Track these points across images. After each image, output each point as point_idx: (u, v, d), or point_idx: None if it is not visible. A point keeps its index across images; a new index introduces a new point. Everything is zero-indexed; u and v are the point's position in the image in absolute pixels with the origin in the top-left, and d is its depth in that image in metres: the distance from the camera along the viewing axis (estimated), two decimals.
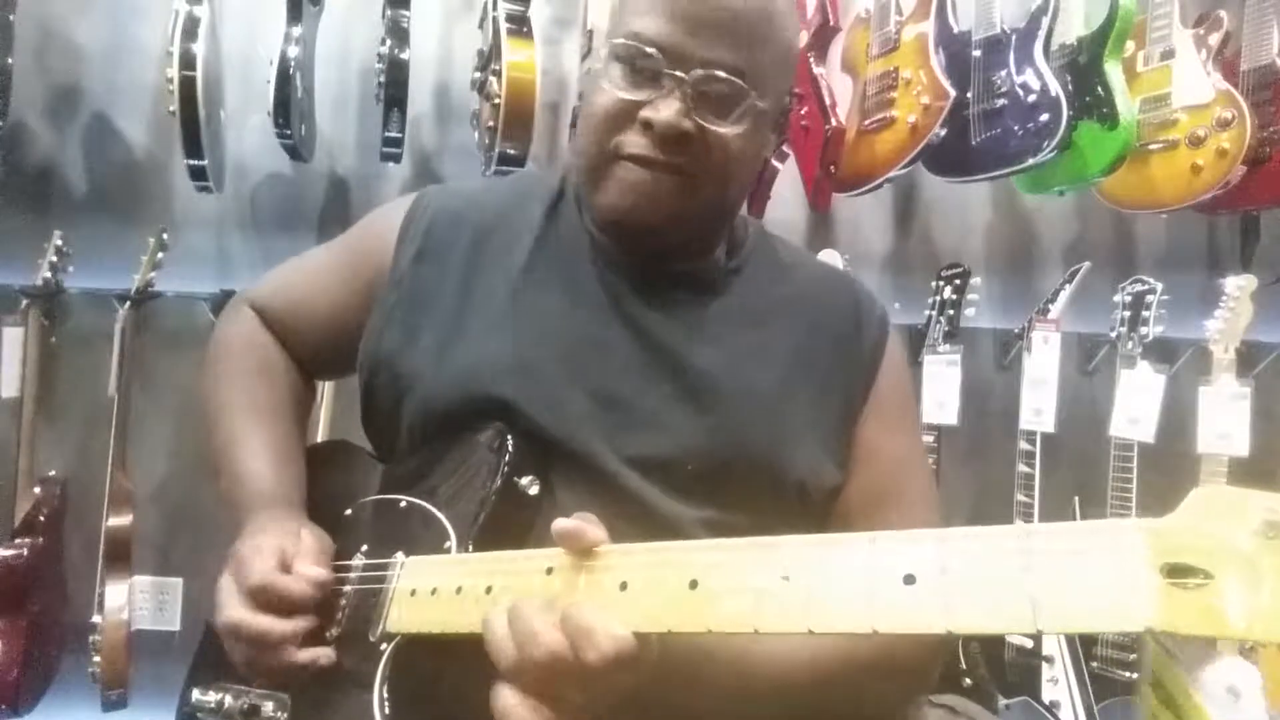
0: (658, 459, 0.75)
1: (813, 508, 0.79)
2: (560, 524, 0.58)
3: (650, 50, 0.73)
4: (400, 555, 0.72)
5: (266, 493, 0.82)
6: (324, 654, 0.70)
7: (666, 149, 0.74)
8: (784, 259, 0.90)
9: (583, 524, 0.58)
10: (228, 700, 0.75)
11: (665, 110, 0.73)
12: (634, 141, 0.75)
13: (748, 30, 0.75)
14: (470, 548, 0.70)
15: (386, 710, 0.65)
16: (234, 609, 0.70)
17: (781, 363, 0.81)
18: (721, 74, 0.73)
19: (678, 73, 0.73)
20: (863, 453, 0.82)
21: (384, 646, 0.68)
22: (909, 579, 0.44)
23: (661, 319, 0.80)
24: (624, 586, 0.54)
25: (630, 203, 0.76)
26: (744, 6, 0.74)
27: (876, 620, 0.44)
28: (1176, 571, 0.37)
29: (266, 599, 0.69)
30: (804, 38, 1.89)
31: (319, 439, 1.65)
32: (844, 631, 0.45)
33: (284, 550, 0.72)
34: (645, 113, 0.73)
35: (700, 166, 0.75)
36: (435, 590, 0.66)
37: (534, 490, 0.72)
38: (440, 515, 0.74)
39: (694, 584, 0.51)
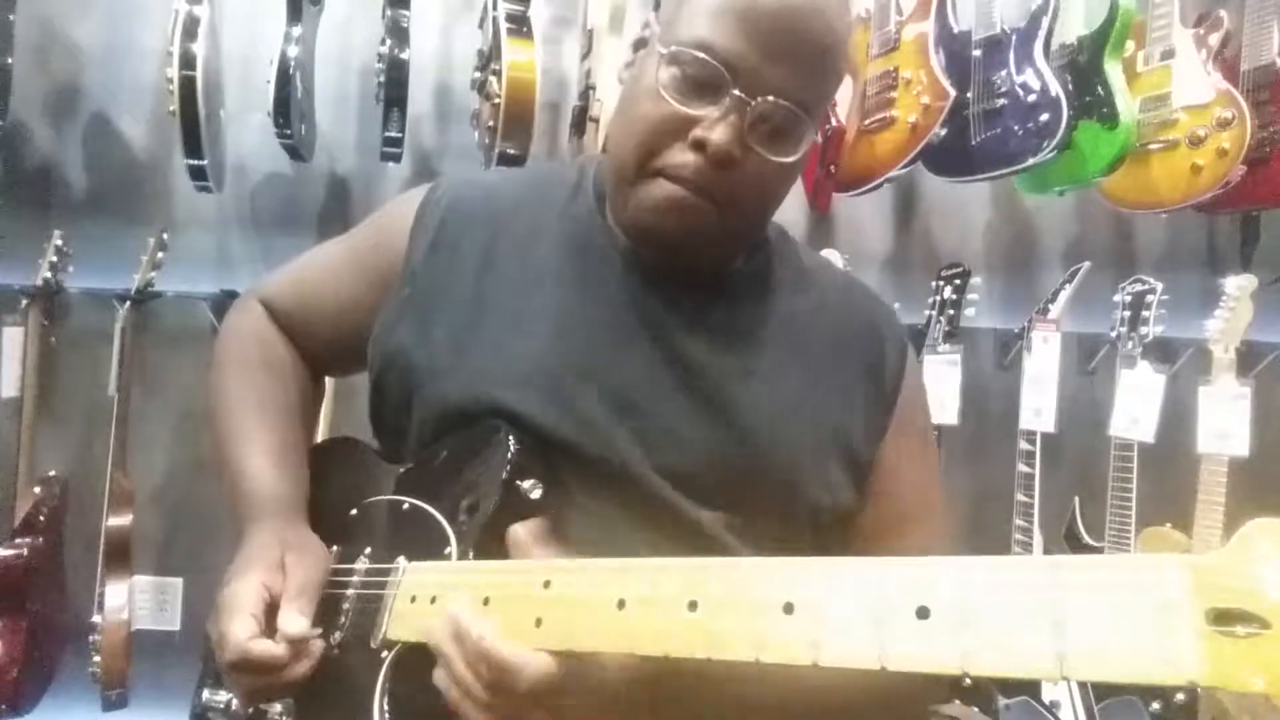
0: (673, 466, 0.74)
1: (829, 523, 0.78)
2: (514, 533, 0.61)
3: (718, 66, 0.69)
4: (402, 560, 0.72)
5: (266, 494, 0.82)
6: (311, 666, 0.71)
7: (713, 172, 0.70)
8: (806, 266, 0.87)
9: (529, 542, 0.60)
10: (235, 702, 0.75)
11: (721, 133, 0.69)
12: (679, 159, 0.71)
13: (821, 62, 0.72)
14: (471, 554, 0.69)
15: (387, 718, 0.65)
16: (228, 657, 0.70)
17: (801, 380, 0.79)
18: (787, 104, 0.70)
19: (742, 95, 0.69)
20: (884, 476, 0.80)
21: (384, 654, 0.67)
22: (922, 612, 0.40)
23: (679, 326, 0.78)
24: (621, 605, 0.52)
25: (665, 221, 0.73)
26: (819, 32, 0.71)
27: (887, 657, 0.41)
28: (1225, 618, 0.32)
29: (252, 669, 0.69)
30: None
31: (319, 439, 1.65)
32: (852, 666, 0.42)
33: (270, 590, 0.72)
34: (699, 132, 0.69)
35: (742, 192, 0.72)
36: (435, 599, 0.65)
37: (536, 494, 0.71)
38: (442, 519, 0.73)
39: (693, 605, 0.49)
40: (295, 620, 0.70)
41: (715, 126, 0.69)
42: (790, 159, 0.72)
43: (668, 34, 0.73)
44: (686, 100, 0.70)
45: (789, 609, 0.45)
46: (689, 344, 0.77)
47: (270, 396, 0.90)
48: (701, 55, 0.69)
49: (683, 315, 0.78)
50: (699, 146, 0.70)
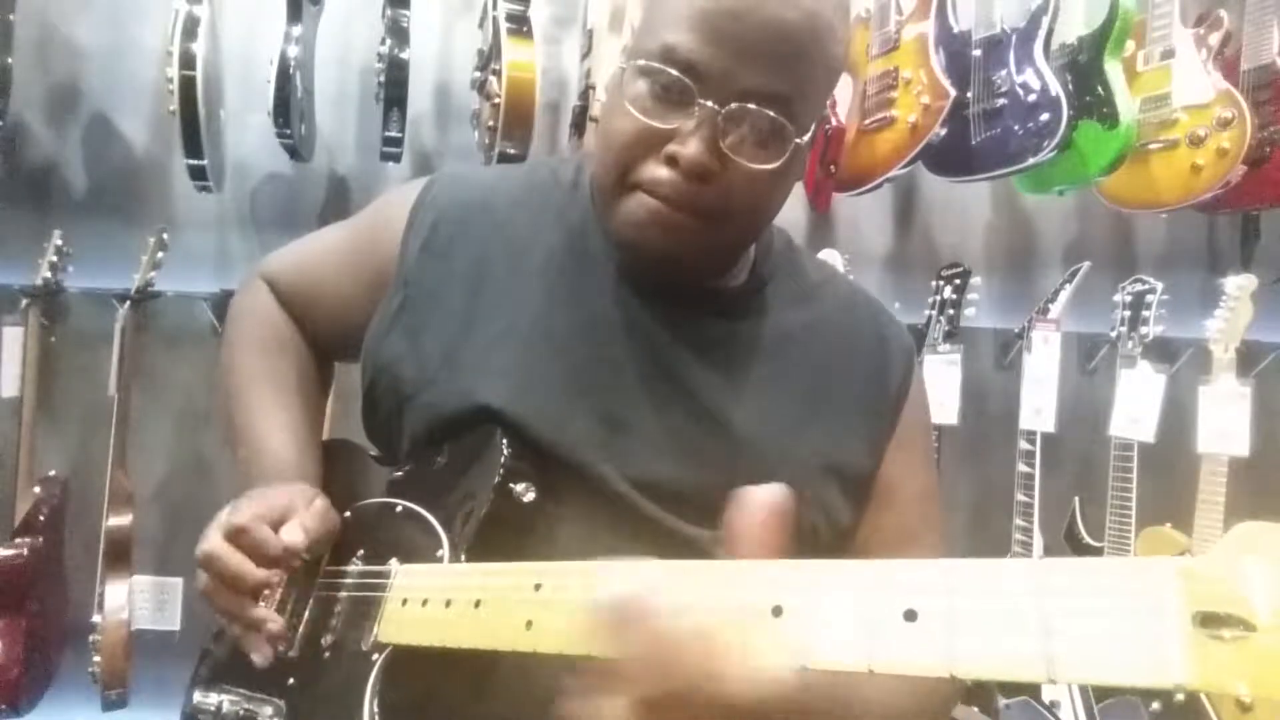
0: (662, 484, 0.72)
1: (826, 543, 0.76)
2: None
3: (679, 74, 0.65)
4: (394, 562, 0.71)
5: (288, 467, 0.82)
6: (275, 619, 0.71)
7: (691, 186, 0.67)
8: (810, 278, 0.85)
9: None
10: (225, 705, 0.75)
11: (693, 146, 0.65)
12: (655, 173, 0.68)
13: (796, 51, 0.65)
14: (463, 556, 0.69)
15: None
16: (214, 541, 0.70)
17: (798, 398, 0.77)
18: (758, 107, 0.65)
19: (710, 103, 0.65)
20: (883, 492, 0.79)
21: (375, 657, 0.67)
22: (910, 615, 0.40)
23: (675, 342, 0.76)
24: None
25: (648, 236, 0.70)
26: (795, 23, 0.64)
27: (874, 659, 0.41)
28: (1212, 621, 0.32)
29: (243, 542, 0.70)
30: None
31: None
32: (837, 669, 0.42)
33: (287, 509, 0.73)
34: (671, 147, 0.66)
35: (726, 204, 0.69)
36: (426, 601, 0.65)
37: (529, 497, 0.70)
38: (434, 522, 0.72)
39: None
40: (296, 532, 0.71)
41: (687, 140, 0.66)
42: (773, 165, 0.68)
43: (637, 44, 0.70)
44: (656, 114, 0.67)
45: (777, 612, 0.44)
46: (681, 360, 0.76)
47: (284, 376, 0.90)
48: (661, 66, 0.66)
49: (678, 331, 0.76)
50: (673, 161, 0.67)
